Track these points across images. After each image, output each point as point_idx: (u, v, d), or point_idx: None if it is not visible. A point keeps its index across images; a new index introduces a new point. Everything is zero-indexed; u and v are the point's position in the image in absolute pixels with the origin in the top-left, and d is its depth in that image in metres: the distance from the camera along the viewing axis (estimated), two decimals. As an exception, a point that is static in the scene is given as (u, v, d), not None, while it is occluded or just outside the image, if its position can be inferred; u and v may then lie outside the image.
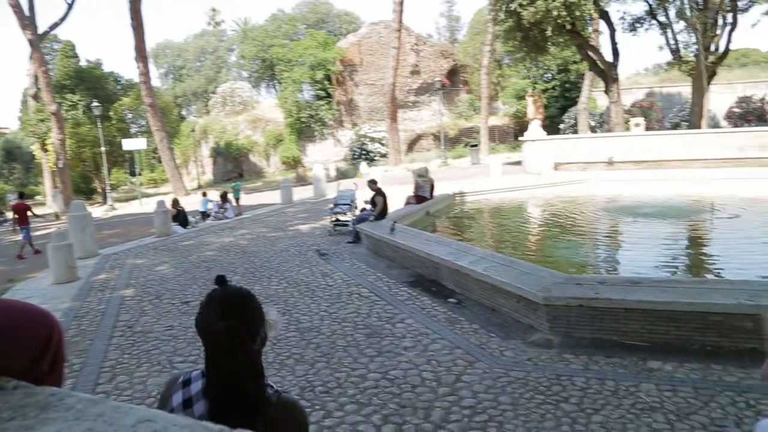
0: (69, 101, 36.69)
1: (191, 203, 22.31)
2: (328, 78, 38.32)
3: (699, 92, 23.99)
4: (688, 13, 24.22)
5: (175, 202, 16.10)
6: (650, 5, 25.79)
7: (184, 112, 64.24)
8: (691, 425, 3.69)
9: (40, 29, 30.42)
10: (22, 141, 54.46)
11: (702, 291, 5.14)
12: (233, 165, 40.15)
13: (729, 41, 24.42)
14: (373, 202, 11.20)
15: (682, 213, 11.80)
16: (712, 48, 24.58)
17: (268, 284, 8.13)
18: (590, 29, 27.81)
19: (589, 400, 4.12)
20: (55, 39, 41.78)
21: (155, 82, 52.26)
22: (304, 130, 38.84)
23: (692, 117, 24.61)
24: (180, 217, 15.48)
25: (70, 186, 31.74)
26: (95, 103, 29.70)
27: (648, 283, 5.51)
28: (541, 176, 18.49)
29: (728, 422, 3.71)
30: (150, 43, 68.51)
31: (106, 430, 0.52)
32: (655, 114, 33.05)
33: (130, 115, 42.31)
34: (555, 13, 21.37)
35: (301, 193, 21.37)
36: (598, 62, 24.64)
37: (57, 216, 26.54)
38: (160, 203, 14.13)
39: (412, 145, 39.49)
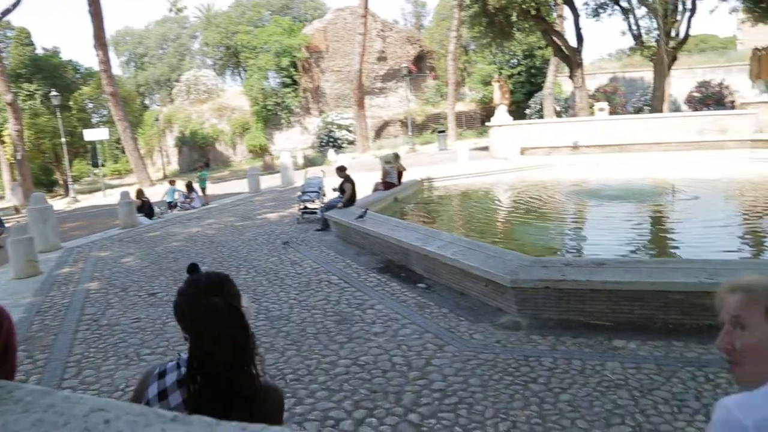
0: (25, 91, 35.61)
1: (157, 194, 21.93)
2: (293, 65, 37.90)
3: (660, 77, 24.45)
4: (649, -2, 24.60)
5: (140, 193, 15.81)
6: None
7: (147, 101, 62.99)
8: (654, 400, 3.80)
9: (-8, 16, 29.34)
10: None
11: (664, 271, 5.27)
12: (199, 154, 39.55)
13: (689, 27, 24.96)
14: (341, 189, 11.16)
15: (644, 195, 12.05)
16: (673, 33, 25.07)
17: (237, 274, 8.05)
18: (555, 15, 28.03)
19: (556, 379, 4.20)
20: (8, 26, 40.40)
21: (116, 70, 50.92)
22: (270, 118, 38.41)
23: (654, 101, 25.09)
24: (145, 208, 15.21)
25: (29, 178, 30.84)
26: (54, 93, 28.84)
27: (612, 264, 5.63)
28: (508, 161, 18.65)
29: (689, 396, 3.82)
30: (110, 31, 66.77)
31: (56, 421, 0.51)
32: (618, 99, 33.54)
33: (90, 105, 41.29)
34: (520, -2, 21.48)
35: (268, 182, 21.17)
36: (563, 47, 24.89)
37: (17, 209, 25.80)
38: (124, 194, 13.85)
39: (379, 132, 39.42)
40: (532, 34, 30.39)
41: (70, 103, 36.25)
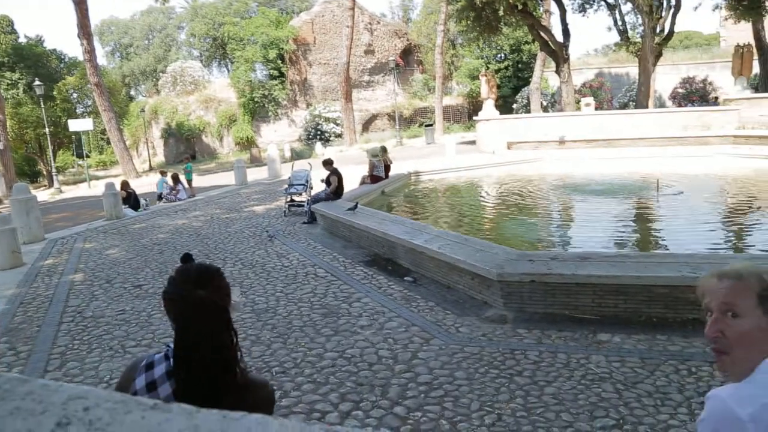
0: (8, 80, 35.14)
1: (143, 185, 21.75)
2: (281, 57, 37.67)
3: (646, 73, 24.61)
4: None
5: (125, 185, 15.64)
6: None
7: (132, 92, 62.35)
8: (638, 393, 3.84)
9: (-26, 4, 28.86)
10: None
11: (648, 265, 5.31)
12: (185, 146, 39.24)
13: (673, 23, 25.12)
14: (328, 181, 11.13)
15: (629, 190, 12.14)
16: (658, 29, 25.22)
17: (223, 266, 8.01)
18: (541, 9, 28.12)
19: (541, 372, 4.23)
20: (-10, 14, 39.77)
21: (101, 60, 50.41)
22: (257, 110, 38.17)
23: (639, 97, 25.26)
24: (131, 199, 15.07)
25: (12, 169, 30.42)
26: (37, 82, 28.45)
27: (598, 258, 5.67)
28: (495, 155, 18.71)
29: (672, 389, 3.87)
30: (94, 20, 65.88)
31: (34, 409, 0.50)
32: (604, 94, 33.79)
33: (75, 95, 40.78)
34: (507, -8, 21.50)
35: (255, 174, 21.08)
36: (550, 42, 24.96)
37: (-1, 200, 25.49)
38: (109, 185, 13.71)
39: (367, 125, 39.35)
40: (519, 29, 30.51)
41: (54, 92, 35.80)
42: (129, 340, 5.49)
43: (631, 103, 30.85)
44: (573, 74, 27.16)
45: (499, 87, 31.01)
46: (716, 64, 34.38)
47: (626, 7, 28.30)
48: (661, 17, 25.40)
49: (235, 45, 40.17)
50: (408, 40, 43.14)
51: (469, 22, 25.33)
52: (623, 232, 9.24)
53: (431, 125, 33.07)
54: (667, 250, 7.86)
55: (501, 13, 23.06)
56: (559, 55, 24.81)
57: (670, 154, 16.21)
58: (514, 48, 38.71)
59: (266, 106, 37.92)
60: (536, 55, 31.57)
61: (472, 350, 4.69)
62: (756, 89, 25.01)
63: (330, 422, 3.72)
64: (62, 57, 41.46)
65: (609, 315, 5.17)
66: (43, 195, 25.20)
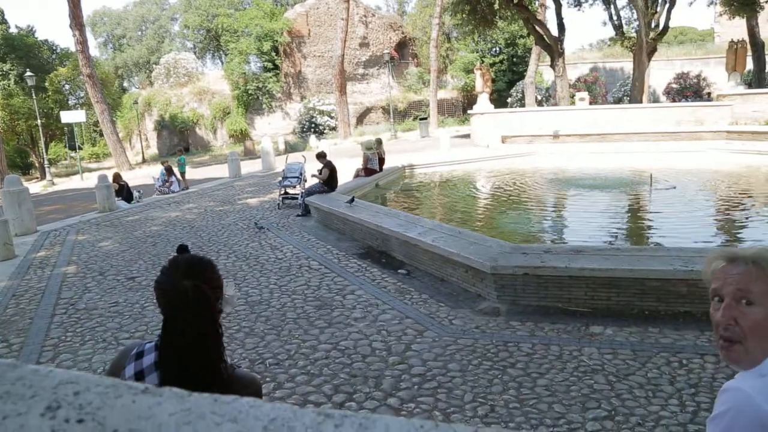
0: (-1, 71, 34.86)
1: (136, 177, 21.68)
2: (275, 49, 37.49)
3: (640, 68, 24.63)
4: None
5: (117, 177, 15.55)
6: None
7: (125, 84, 61.98)
8: (629, 385, 3.86)
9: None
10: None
11: (641, 258, 5.34)
12: (179, 138, 39.06)
13: (668, 18, 25.15)
14: (321, 172, 11.13)
15: (623, 184, 12.18)
16: (653, 24, 25.24)
17: (217, 258, 7.99)
18: (537, 3, 28.10)
19: (534, 364, 4.25)
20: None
21: (93, 51, 50.09)
22: (251, 102, 38.02)
23: (633, 92, 25.29)
24: (123, 191, 14.99)
25: (4, 161, 30.21)
26: (29, 73, 28.21)
27: (591, 252, 5.69)
28: (489, 149, 18.71)
29: (663, 381, 3.89)
30: (86, 11, 65.41)
31: (24, 393, 0.50)
32: (599, 89, 33.79)
33: (67, 87, 40.49)
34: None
35: (249, 167, 21.00)
36: (545, 36, 24.94)
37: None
38: (102, 177, 13.64)
39: (361, 118, 39.26)
40: (514, 23, 30.45)
41: (46, 84, 35.54)
42: (122, 332, 5.48)
43: (625, 98, 30.89)
44: (568, 69, 27.17)
45: (493, 81, 30.97)
46: (710, 59, 34.43)
47: (621, 2, 28.37)
48: (656, 12, 25.44)
49: (229, 37, 39.95)
50: (403, 33, 43.01)
51: (464, 15, 25.29)
52: (616, 225, 9.27)
53: (426, 119, 33.03)
54: (660, 244, 7.90)
55: (496, 6, 23.02)
56: (554, 49, 24.80)
57: (664, 149, 16.26)
58: (509, 42, 38.67)
59: (260, 98, 37.77)
60: (531, 49, 31.51)
61: (466, 342, 4.70)
62: (749, 85, 25.07)
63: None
64: (54, 48, 41.13)
65: (601, 308, 5.19)
66: (35, 187, 25.06)
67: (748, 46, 23.77)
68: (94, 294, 6.77)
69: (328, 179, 11.05)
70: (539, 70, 33.07)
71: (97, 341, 5.28)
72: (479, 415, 3.61)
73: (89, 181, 24.04)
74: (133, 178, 20.76)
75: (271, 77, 37.46)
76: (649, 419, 3.46)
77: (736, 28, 29.11)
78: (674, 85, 32.65)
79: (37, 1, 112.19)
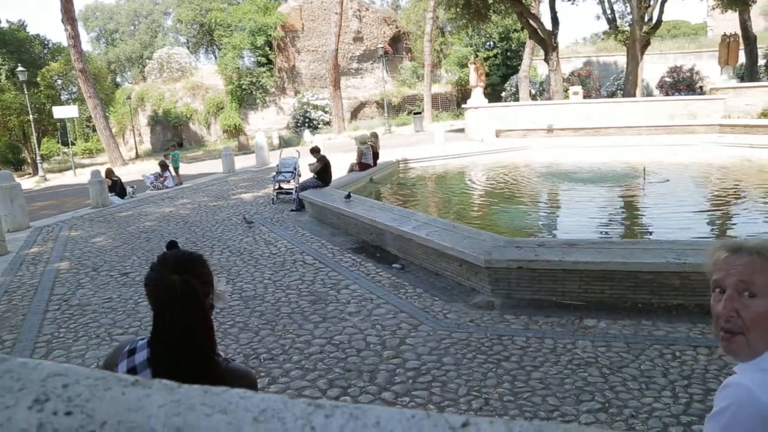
0: (-10, 66, 34.56)
1: (129, 173, 21.58)
2: (269, 44, 37.33)
3: (634, 62, 24.66)
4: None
5: (109, 172, 15.49)
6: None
7: (118, 79, 61.61)
8: (623, 377, 3.88)
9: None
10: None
11: (634, 251, 5.36)
12: (173, 134, 38.84)
13: (661, 12, 25.18)
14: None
15: (616, 178, 12.21)
16: (646, 18, 25.26)
17: (211, 254, 7.97)
18: (531, -3, 28.05)
19: (528, 358, 4.26)
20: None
21: (86, 46, 49.64)
22: (245, 97, 37.87)
23: (627, 86, 25.32)
24: (116, 187, 14.93)
25: (-4, 156, 30.08)
26: (20, 68, 27.98)
27: (584, 245, 5.70)
28: (483, 143, 18.72)
29: (656, 373, 3.91)
30: (78, 5, 64.99)
31: (12, 386, 0.49)
32: (592, 82, 33.84)
33: (59, 82, 40.21)
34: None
35: (243, 162, 20.94)
36: (539, 30, 24.92)
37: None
38: (95, 173, 13.59)
39: (355, 113, 39.18)
40: (508, 17, 30.40)
41: (38, 79, 35.26)
42: (116, 327, 5.47)
43: (618, 91, 30.94)
44: (561, 63, 27.16)
45: (487, 75, 30.97)
46: (703, 53, 34.53)
47: (615, -5, 28.31)
48: (649, 6, 25.44)
49: (223, 31, 39.75)
50: (397, 27, 42.90)
51: (458, 9, 25.24)
52: (610, 219, 9.30)
53: (420, 113, 32.99)
54: (653, 237, 7.93)
55: (490, 0, 22.97)
56: (547, 43, 24.79)
57: (657, 143, 16.30)
58: (503, 36, 38.62)
59: (254, 93, 37.62)
60: (525, 43, 31.51)
61: (460, 336, 4.71)
62: (742, 78, 25.14)
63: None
64: (46, 42, 40.77)
65: (595, 301, 5.21)
66: (27, 183, 24.94)
67: (741, 40, 23.80)
68: (87, 290, 6.75)
69: (323, 174, 11.03)
70: (533, 64, 33.08)
71: (90, 337, 5.27)
72: (474, 408, 3.62)
73: (82, 176, 23.92)
74: (127, 173, 20.66)
75: (264, 72, 37.32)
76: (643, 411, 3.48)
77: (729, 22, 29.20)
78: (667, 79, 32.74)
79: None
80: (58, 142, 43.78)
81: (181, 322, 1.54)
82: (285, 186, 12.13)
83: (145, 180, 16.71)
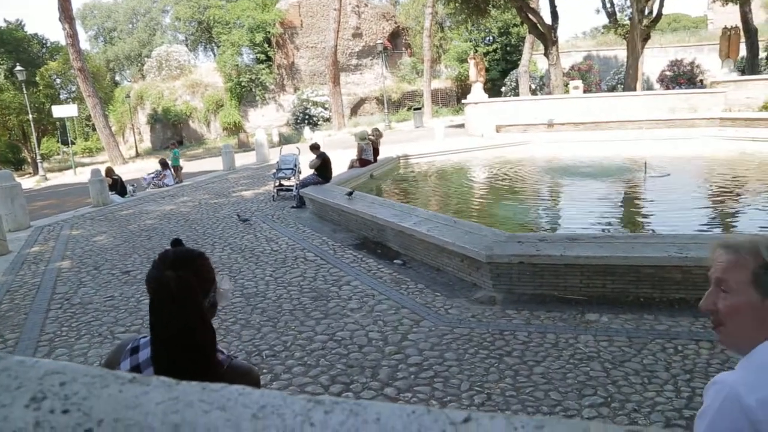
0: (-11, 65, 34.55)
1: (129, 171, 21.58)
2: (268, 41, 37.28)
3: (634, 55, 24.60)
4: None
5: (109, 171, 15.49)
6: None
7: (117, 77, 61.58)
8: (625, 372, 3.88)
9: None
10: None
11: (636, 245, 5.35)
12: (172, 132, 38.85)
13: (661, 5, 25.09)
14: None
15: (617, 172, 12.19)
16: (646, 11, 25.18)
17: (212, 251, 7.98)
18: (530, -9, 27.96)
19: (530, 352, 4.26)
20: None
21: (84, 45, 49.69)
22: (244, 94, 37.84)
23: (627, 80, 25.27)
24: (117, 185, 14.94)
25: (-4, 156, 30.08)
26: (18, 68, 27.96)
27: (586, 240, 5.70)
28: (484, 138, 18.68)
29: (658, 367, 3.91)
30: (76, 3, 65.02)
31: (9, 384, 0.49)
32: (593, 77, 33.77)
33: (58, 81, 40.19)
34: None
35: (243, 159, 20.93)
36: (538, 25, 24.87)
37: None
38: (95, 172, 13.58)
39: (355, 109, 39.15)
40: (507, 11, 30.35)
41: (37, 78, 35.26)
42: (118, 326, 5.47)
43: (619, 85, 30.88)
44: (561, 57, 27.12)
45: (487, 70, 30.90)
46: (704, 46, 34.43)
47: (614, -11, 28.18)
48: (649, -1, 25.36)
49: (221, 29, 39.69)
50: (396, 23, 42.82)
51: (457, 4, 25.20)
52: (611, 213, 9.29)
53: (420, 109, 32.95)
54: (654, 231, 7.91)
55: (489, -5, 22.93)
56: (547, 37, 24.73)
57: (658, 137, 16.27)
58: (502, 31, 38.56)
59: (253, 90, 37.59)
60: (525, 37, 31.45)
61: (462, 331, 4.71)
62: (742, 72, 25.08)
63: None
64: (44, 42, 40.73)
65: (597, 295, 5.21)
66: (28, 182, 24.95)
67: (742, 33, 23.74)
68: (89, 288, 6.75)
69: (323, 170, 11.03)
70: (533, 58, 33.02)
71: (92, 335, 5.27)
72: (476, 404, 3.62)
73: (82, 175, 23.92)
74: (127, 172, 20.67)
75: (264, 69, 37.28)
76: (645, 405, 3.48)
77: (729, 15, 29.10)
78: (668, 73, 32.67)
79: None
80: (57, 141, 43.77)
81: (177, 319, 1.52)
82: (285, 183, 12.13)
83: (142, 181, 16.74)
